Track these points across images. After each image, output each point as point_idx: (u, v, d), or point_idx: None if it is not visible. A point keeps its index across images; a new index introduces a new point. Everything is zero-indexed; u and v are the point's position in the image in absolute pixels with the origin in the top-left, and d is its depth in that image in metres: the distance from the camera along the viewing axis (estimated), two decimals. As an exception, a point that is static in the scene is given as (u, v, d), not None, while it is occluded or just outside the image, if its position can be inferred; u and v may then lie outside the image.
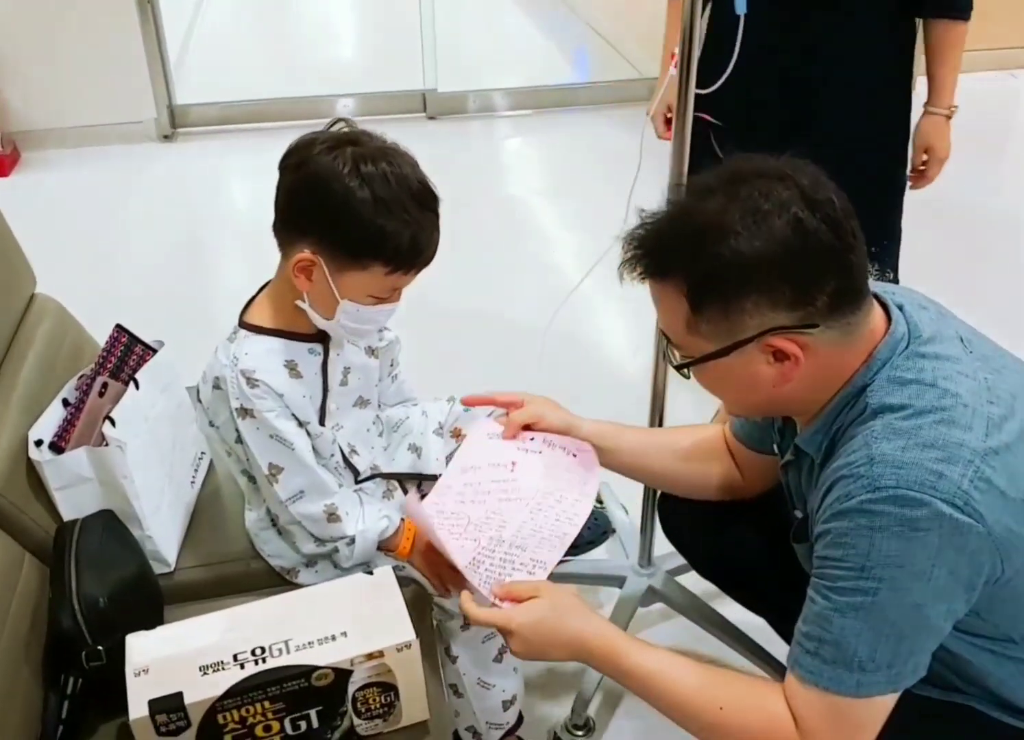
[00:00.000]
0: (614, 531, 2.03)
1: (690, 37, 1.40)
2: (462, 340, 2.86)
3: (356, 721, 1.22)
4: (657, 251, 1.07)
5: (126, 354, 1.57)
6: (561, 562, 1.23)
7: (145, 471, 1.47)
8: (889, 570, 0.99)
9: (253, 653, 1.17)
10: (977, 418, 1.02)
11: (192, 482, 1.64)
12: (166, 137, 4.15)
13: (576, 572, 1.95)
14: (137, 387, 1.50)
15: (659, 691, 1.11)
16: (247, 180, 3.88)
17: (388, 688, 1.21)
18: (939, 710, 1.16)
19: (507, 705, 1.58)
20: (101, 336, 1.62)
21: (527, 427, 1.36)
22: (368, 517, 1.43)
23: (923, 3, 1.93)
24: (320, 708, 1.19)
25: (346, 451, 1.46)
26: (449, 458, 1.51)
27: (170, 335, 1.66)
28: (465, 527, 1.25)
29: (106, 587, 1.31)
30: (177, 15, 4.89)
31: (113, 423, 1.41)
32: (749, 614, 1.57)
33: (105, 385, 1.51)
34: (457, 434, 1.58)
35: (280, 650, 1.17)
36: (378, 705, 1.22)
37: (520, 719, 1.64)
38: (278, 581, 1.50)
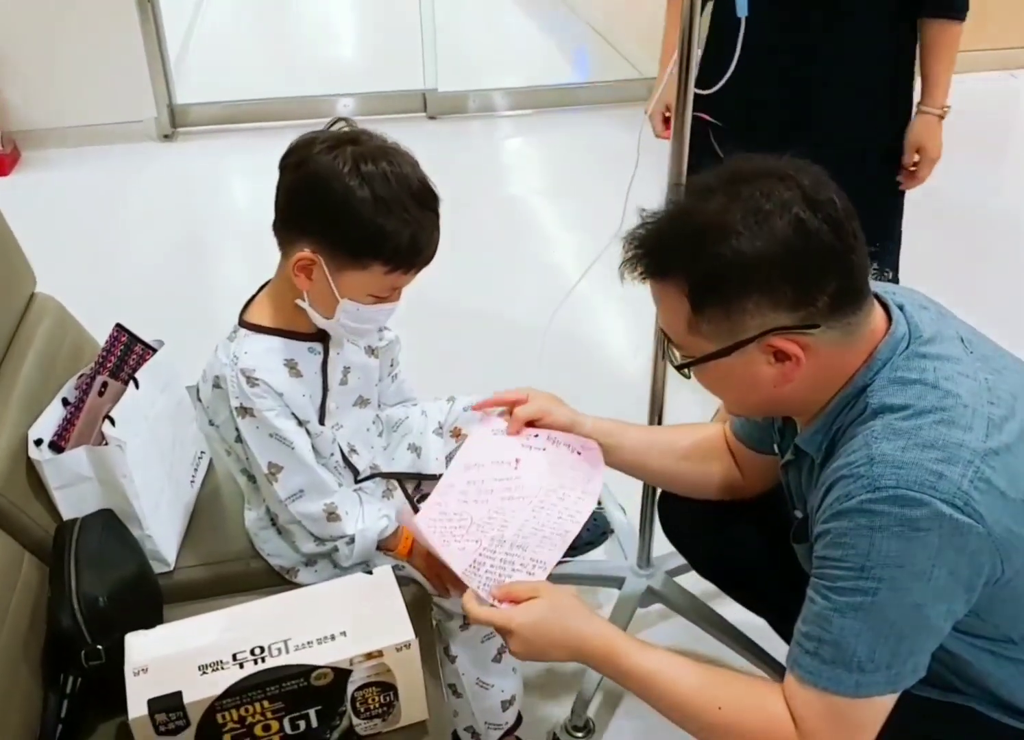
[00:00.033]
0: (612, 532, 2.03)
1: (690, 37, 1.41)
2: (462, 340, 2.86)
3: (355, 721, 1.22)
4: (658, 251, 1.07)
5: (126, 353, 1.57)
6: (560, 563, 1.23)
7: (145, 470, 1.47)
8: (889, 570, 0.99)
9: (252, 652, 1.17)
10: (977, 418, 1.02)
11: (192, 481, 1.64)
12: (166, 136, 4.16)
13: (575, 573, 1.94)
14: (137, 386, 1.50)
15: (658, 691, 1.11)
16: (247, 179, 3.89)
17: (387, 688, 1.21)
18: (939, 711, 1.16)
19: (506, 705, 1.58)
20: (101, 335, 1.62)
21: (531, 423, 1.36)
22: (368, 516, 1.43)
23: (922, 3, 1.93)
24: (319, 708, 1.19)
25: (346, 450, 1.47)
26: (449, 458, 1.51)
27: (170, 334, 1.66)
28: (467, 528, 1.25)
29: (105, 586, 1.31)
30: (177, 15, 4.89)
31: (113, 422, 1.41)
32: (749, 614, 1.57)
33: (105, 384, 1.51)
34: (457, 434, 1.58)
35: (279, 650, 1.17)
36: (377, 705, 1.22)
37: (519, 719, 1.64)
38: (277, 580, 1.50)
